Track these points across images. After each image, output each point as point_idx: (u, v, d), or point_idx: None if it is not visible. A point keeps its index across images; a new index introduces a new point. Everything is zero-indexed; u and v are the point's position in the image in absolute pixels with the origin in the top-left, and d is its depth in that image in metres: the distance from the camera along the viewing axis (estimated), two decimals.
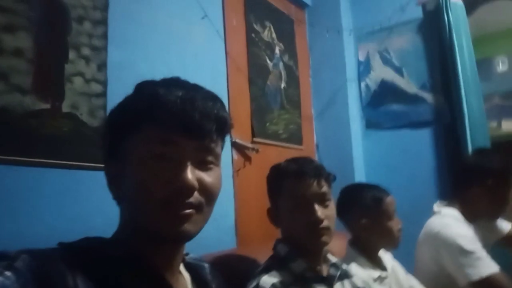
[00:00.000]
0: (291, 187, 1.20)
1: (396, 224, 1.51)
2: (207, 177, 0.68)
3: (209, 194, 0.69)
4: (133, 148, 0.67)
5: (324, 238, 1.16)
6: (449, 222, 1.65)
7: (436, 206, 1.78)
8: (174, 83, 0.70)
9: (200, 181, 0.67)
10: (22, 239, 1.06)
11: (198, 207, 0.67)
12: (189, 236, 0.67)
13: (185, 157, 0.66)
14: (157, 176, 0.64)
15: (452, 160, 2.34)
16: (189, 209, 0.65)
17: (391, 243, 1.52)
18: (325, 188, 1.20)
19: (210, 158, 0.70)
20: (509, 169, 1.71)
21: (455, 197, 1.78)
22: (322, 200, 1.19)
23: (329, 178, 1.24)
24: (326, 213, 1.18)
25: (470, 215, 1.70)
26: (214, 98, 0.70)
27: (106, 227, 0.72)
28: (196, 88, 0.70)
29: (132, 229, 0.69)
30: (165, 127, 0.65)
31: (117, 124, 0.71)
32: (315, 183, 1.18)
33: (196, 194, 0.66)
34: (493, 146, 2.20)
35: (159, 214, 0.64)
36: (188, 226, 0.65)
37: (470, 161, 1.87)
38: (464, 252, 1.53)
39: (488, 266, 1.50)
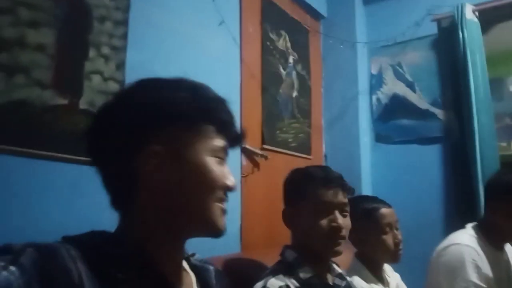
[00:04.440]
0: (317, 193, 1.20)
1: (391, 237, 1.44)
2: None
3: None
4: (189, 145, 0.70)
5: (339, 248, 1.17)
6: (457, 247, 1.52)
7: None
8: (205, 86, 0.77)
9: None
10: (30, 231, 1.07)
11: None
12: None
13: (226, 160, 0.76)
14: (220, 177, 0.72)
15: (460, 178, 2.34)
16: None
17: (388, 257, 1.46)
18: (346, 199, 1.22)
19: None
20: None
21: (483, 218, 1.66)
22: (343, 210, 1.21)
23: (350, 191, 1.26)
24: (345, 223, 1.19)
25: (491, 239, 1.56)
26: None
27: (114, 223, 0.73)
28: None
29: (159, 222, 0.69)
30: (225, 135, 0.74)
31: (159, 115, 0.70)
32: (340, 192, 1.20)
33: None
34: (503, 166, 2.19)
35: (217, 209, 0.72)
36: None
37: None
38: (459, 279, 1.45)
39: None
